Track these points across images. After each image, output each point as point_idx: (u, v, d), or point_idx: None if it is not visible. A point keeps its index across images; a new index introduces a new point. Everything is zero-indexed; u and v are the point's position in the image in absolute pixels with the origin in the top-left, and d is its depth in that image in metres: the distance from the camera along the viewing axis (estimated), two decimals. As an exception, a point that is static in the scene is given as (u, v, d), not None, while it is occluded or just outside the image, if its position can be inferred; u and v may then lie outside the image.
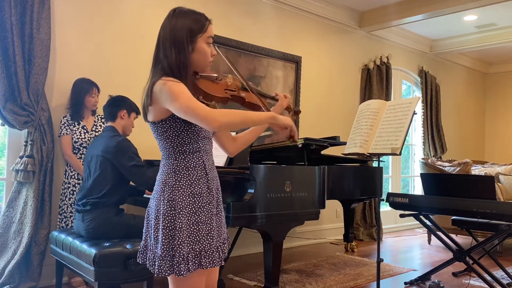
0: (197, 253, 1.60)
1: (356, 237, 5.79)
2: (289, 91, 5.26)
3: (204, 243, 1.62)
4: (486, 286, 3.49)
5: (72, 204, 3.37)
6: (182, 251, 1.57)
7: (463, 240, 5.49)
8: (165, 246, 1.58)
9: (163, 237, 1.58)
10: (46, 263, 3.40)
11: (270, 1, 5.06)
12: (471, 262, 3.54)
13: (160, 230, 1.59)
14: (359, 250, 5.13)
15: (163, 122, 1.61)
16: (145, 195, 3.37)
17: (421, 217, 3.75)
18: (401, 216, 3.68)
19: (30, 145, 3.31)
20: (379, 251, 3.01)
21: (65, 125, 3.42)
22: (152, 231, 1.63)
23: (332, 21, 5.74)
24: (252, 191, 2.94)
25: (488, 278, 3.46)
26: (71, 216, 3.37)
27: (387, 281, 3.85)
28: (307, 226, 5.40)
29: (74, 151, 3.43)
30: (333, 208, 5.74)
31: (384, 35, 6.42)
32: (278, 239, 3.11)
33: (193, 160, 1.64)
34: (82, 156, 3.42)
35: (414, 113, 2.77)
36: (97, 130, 3.50)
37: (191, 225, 1.60)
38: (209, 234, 1.64)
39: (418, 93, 7.29)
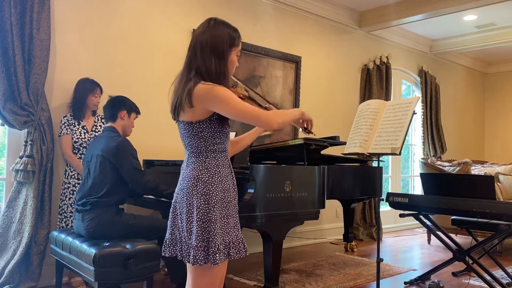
0: (227, 244, 1.73)
1: (356, 237, 5.80)
2: (288, 91, 5.26)
3: (233, 234, 1.75)
4: (486, 285, 3.50)
5: (72, 204, 3.37)
6: (216, 242, 1.68)
7: (462, 240, 5.50)
8: (199, 237, 1.68)
9: (198, 229, 1.68)
10: (46, 263, 3.40)
11: (270, 1, 5.06)
12: (470, 262, 3.54)
13: (194, 222, 1.69)
14: (358, 250, 5.13)
15: (200, 123, 1.71)
16: (144, 196, 3.37)
17: (421, 217, 3.75)
18: (401, 216, 3.69)
19: (30, 145, 3.31)
20: (378, 251, 3.01)
21: (65, 125, 3.42)
22: (185, 224, 1.72)
23: (332, 21, 5.75)
24: (252, 191, 2.94)
25: (488, 277, 3.47)
26: (71, 216, 3.37)
27: (386, 281, 3.85)
28: (307, 226, 5.40)
29: (74, 151, 3.43)
30: (333, 208, 5.74)
31: (384, 35, 6.42)
32: (278, 239, 3.11)
33: (222, 159, 1.77)
34: (82, 156, 3.42)
35: (414, 113, 2.77)
36: (97, 130, 3.50)
37: (223, 218, 1.73)
38: (235, 226, 1.78)
39: (418, 93, 7.29)
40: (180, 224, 1.75)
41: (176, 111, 1.75)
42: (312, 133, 1.92)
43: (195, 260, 1.67)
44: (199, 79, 1.69)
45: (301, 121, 1.88)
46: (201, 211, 1.69)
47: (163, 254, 1.79)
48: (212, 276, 1.73)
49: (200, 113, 1.70)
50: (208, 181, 1.71)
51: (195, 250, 1.67)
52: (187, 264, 1.77)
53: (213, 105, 1.66)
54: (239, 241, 1.76)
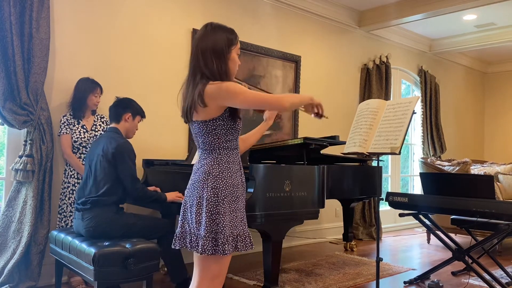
0: (235, 237, 1.82)
1: (356, 237, 5.80)
2: (288, 90, 5.26)
3: (240, 228, 1.85)
4: (485, 285, 3.50)
5: (72, 204, 3.37)
6: (225, 233, 1.77)
7: (462, 239, 5.50)
8: (208, 228, 1.77)
9: (207, 220, 1.77)
10: (46, 263, 3.39)
11: (270, 1, 5.05)
12: (470, 261, 3.54)
13: (204, 214, 1.79)
14: (358, 250, 5.13)
15: (214, 121, 1.82)
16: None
17: (421, 216, 3.75)
18: (401, 215, 3.69)
19: (30, 144, 3.31)
20: (378, 250, 3.01)
21: (65, 124, 3.42)
22: (194, 216, 1.81)
23: (332, 20, 5.74)
24: (252, 190, 2.94)
25: (487, 277, 3.47)
26: (70, 216, 3.37)
27: (386, 281, 3.86)
28: (307, 225, 5.40)
29: (74, 150, 3.43)
30: (333, 208, 5.74)
31: (384, 35, 6.42)
32: (278, 238, 3.11)
33: (233, 156, 1.88)
34: (82, 155, 3.42)
35: (414, 113, 2.77)
36: (96, 129, 3.50)
37: (232, 212, 1.82)
38: (243, 221, 1.87)
39: (418, 93, 7.29)
40: (189, 217, 1.84)
41: (188, 113, 1.85)
42: (324, 116, 1.99)
43: (203, 250, 1.75)
44: (206, 80, 1.80)
45: (311, 107, 1.96)
46: (210, 203, 1.78)
47: (173, 246, 1.88)
48: (219, 265, 1.82)
49: (214, 111, 1.80)
50: (218, 176, 1.81)
51: (204, 240, 1.76)
52: (195, 256, 1.85)
53: (225, 99, 1.77)
54: (245, 235, 1.85)
